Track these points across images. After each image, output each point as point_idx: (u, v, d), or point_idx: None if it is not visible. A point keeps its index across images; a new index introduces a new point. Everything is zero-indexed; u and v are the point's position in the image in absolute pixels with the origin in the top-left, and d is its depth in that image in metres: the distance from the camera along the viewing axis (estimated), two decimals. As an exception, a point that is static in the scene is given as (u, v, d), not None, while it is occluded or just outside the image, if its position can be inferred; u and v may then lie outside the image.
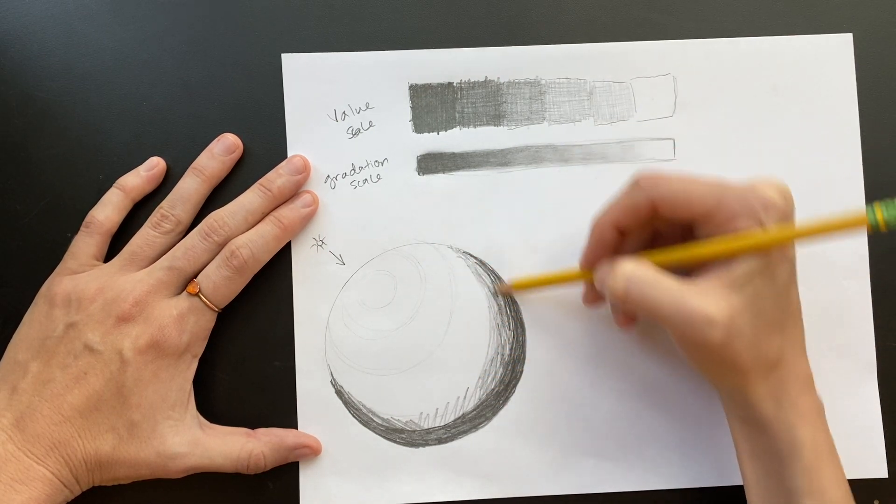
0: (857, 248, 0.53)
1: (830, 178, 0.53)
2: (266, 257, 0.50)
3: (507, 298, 0.52)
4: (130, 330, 0.47)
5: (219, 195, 0.52)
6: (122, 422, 0.47)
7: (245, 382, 0.52)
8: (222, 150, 0.51)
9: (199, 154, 0.52)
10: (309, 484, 0.51)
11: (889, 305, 0.53)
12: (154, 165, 0.52)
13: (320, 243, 0.52)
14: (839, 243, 0.52)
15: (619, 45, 0.53)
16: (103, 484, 0.48)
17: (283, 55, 0.52)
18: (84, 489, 0.47)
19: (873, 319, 0.53)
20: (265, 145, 0.52)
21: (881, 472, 0.52)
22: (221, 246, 0.50)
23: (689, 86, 0.53)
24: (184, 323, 0.48)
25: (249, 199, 0.51)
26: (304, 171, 0.52)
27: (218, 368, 0.52)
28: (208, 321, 0.50)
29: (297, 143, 0.52)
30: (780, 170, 0.53)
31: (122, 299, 0.47)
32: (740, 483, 0.48)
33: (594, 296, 0.50)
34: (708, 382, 0.48)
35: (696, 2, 0.53)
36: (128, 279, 0.48)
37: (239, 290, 0.50)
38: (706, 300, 0.42)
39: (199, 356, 0.50)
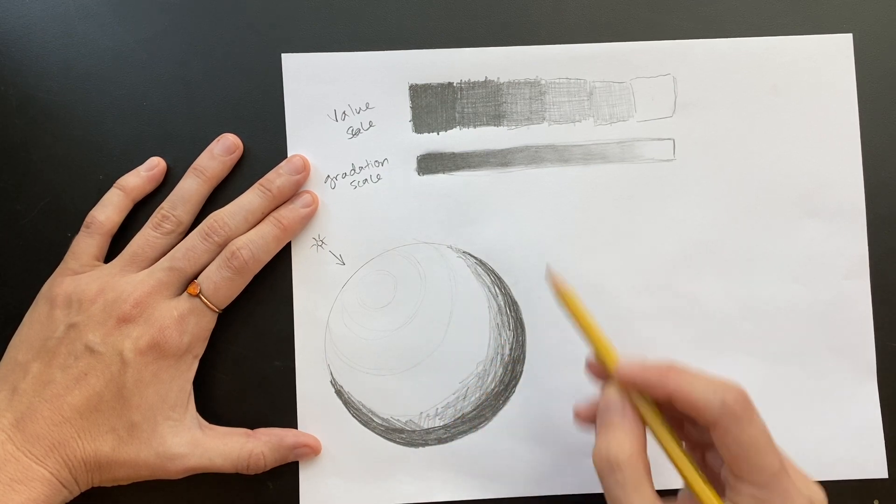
0: (857, 249, 0.53)
1: (830, 179, 0.53)
2: (266, 258, 0.50)
3: (508, 300, 0.52)
4: (131, 331, 0.47)
5: (219, 195, 0.52)
6: (122, 423, 0.46)
7: (245, 382, 0.52)
8: (222, 151, 0.51)
9: (199, 154, 0.52)
10: (308, 484, 0.51)
11: (889, 305, 0.53)
12: (154, 165, 0.52)
13: (320, 243, 0.52)
14: (839, 244, 0.53)
15: (619, 45, 0.53)
16: (102, 485, 0.47)
17: (284, 55, 0.52)
18: (83, 490, 0.47)
19: (873, 320, 0.53)
20: (265, 145, 0.52)
21: (881, 472, 0.52)
22: (222, 246, 0.50)
23: (689, 86, 0.53)
24: (184, 324, 0.48)
25: (249, 200, 0.51)
26: (304, 170, 0.52)
27: (218, 368, 0.52)
28: (209, 322, 0.50)
29: (298, 143, 0.52)
30: (780, 170, 0.53)
31: (123, 300, 0.47)
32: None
33: (596, 371, 0.46)
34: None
35: (697, 2, 0.53)
36: (128, 280, 0.48)
37: (239, 291, 0.50)
38: None
39: (200, 357, 0.50)
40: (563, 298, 0.46)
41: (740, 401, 0.40)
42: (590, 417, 0.46)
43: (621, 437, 0.42)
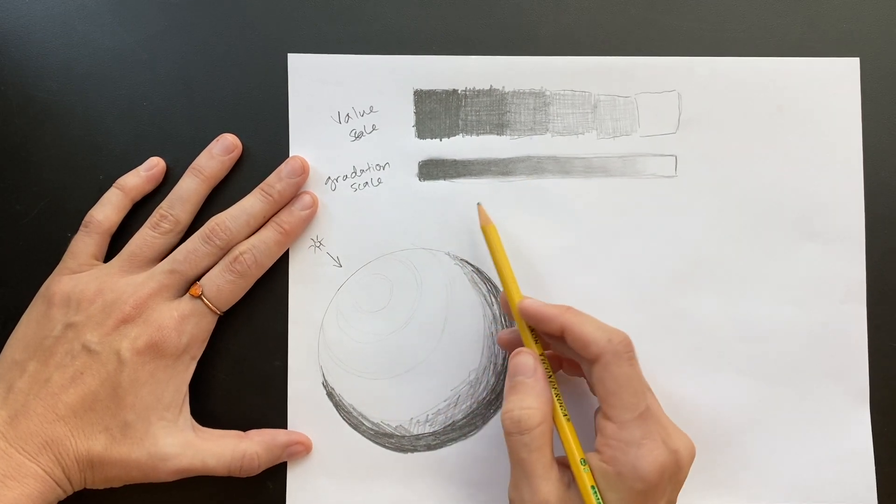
0: (855, 273, 0.52)
1: (831, 203, 0.52)
2: (269, 262, 0.51)
3: (502, 308, 0.52)
4: (129, 331, 0.48)
5: (220, 195, 0.52)
6: (115, 422, 0.47)
7: (241, 382, 0.52)
8: (221, 150, 0.51)
9: (199, 154, 0.52)
10: (296, 485, 0.52)
11: (887, 306, 0.52)
12: (154, 165, 0.52)
13: (318, 244, 0.52)
14: (837, 267, 0.52)
15: (625, 59, 0.52)
16: (95, 486, 0.48)
17: (290, 55, 0.52)
18: (76, 489, 0.48)
19: (870, 319, 0.52)
20: (265, 146, 0.52)
21: (871, 499, 0.52)
22: (223, 250, 0.50)
23: (693, 103, 0.52)
24: (184, 324, 0.49)
25: (251, 204, 0.51)
26: (304, 172, 0.52)
27: (216, 368, 0.52)
28: (209, 324, 0.50)
29: (300, 143, 0.52)
30: (781, 192, 0.52)
31: (123, 301, 0.48)
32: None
33: (505, 343, 0.51)
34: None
35: (705, 20, 0.52)
36: (128, 282, 0.49)
37: (242, 294, 0.51)
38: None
39: (198, 359, 0.51)
40: (486, 235, 0.50)
41: (624, 342, 0.44)
42: (510, 344, 0.50)
43: (532, 400, 0.45)
